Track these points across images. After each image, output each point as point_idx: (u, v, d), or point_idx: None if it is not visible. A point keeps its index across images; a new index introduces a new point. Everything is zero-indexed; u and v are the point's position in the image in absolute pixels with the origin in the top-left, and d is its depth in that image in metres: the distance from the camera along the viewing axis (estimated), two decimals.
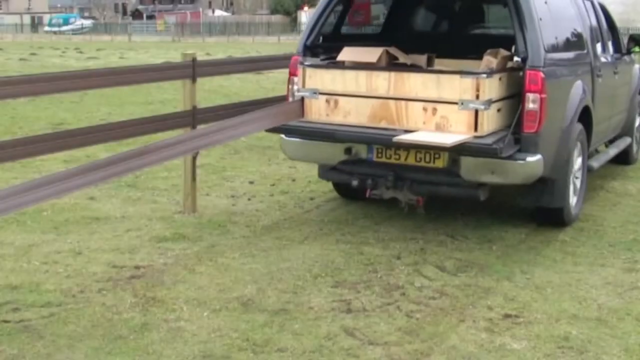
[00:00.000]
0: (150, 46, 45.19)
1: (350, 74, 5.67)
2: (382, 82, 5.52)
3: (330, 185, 7.47)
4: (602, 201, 7.07)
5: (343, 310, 4.38)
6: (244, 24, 78.63)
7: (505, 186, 5.75)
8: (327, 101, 5.73)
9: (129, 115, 10.82)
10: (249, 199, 6.92)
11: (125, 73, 5.97)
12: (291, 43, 55.85)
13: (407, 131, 5.37)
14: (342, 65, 5.88)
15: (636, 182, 7.89)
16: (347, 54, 5.96)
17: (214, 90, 15.69)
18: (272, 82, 18.44)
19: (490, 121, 5.28)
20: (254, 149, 9.15)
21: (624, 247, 5.70)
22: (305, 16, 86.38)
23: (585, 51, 6.55)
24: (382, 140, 5.51)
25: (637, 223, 6.34)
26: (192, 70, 6.13)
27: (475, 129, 5.21)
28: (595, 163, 6.85)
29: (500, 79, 5.38)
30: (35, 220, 6.00)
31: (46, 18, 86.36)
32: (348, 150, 5.76)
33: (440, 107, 5.32)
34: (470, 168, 5.41)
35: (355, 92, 5.63)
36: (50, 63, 26.35)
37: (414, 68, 5.94)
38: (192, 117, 6.22)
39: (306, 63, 5.89)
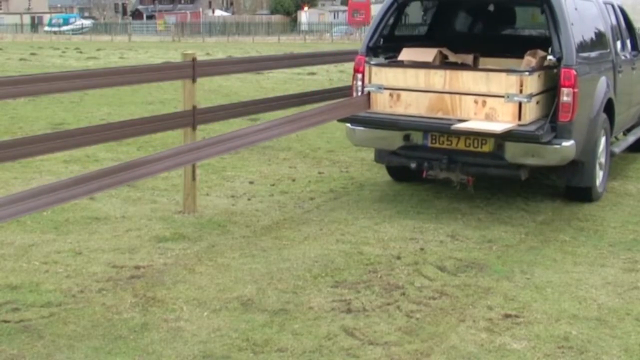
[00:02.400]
0: (150, 46, 45.19)
1: (410, 71, 6.54)
2: (439, 78, 6.39)
3: (330, 185, 7.48)
4: (602, 201, 7.06)
5: (343, 310, 4.38)
6: (244, 24, 78.66)
7: (541, 167, 6.58)
8: (391, 95, 6.59)
9: (129, 115, 10.84)
10: (248, 199, 6.92)
11: (125, 73, 5.96)
12: (291, 43, 55.91)
13: (460, 120, 6.22)
14: (404, 64, 6.76)
15: (636, 182, 7.89)
16: (407, 54, 6.87)
17: (214, 90, 15.70)
18: (272, 82, 18.46)
19: (531, 112, 6.17)
20: (253, 149, 9.15)
21: (624, 247, 5.70)
22: (305, 16, 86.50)
23: (608, 50, 7.38)
24: (440, 128, 6.33)
25: (637, 223, 6.34)
26: (192, 70, 6.13)
27: (519, 118, 6.10)
28: (616, 149, 7.65)
29: (539, 75, 6.25)
30: (35, 220, 6.00)
31: (46, 18, 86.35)
32: (406, 137, 6.59)
33: (489, 100, 6.19)
34: (513, 152, 6.24)
35: (415, 87, 6.49)
36: (50, 63, 26.36)
37: (466, 66, 6.87)
38: (192, 117, 6.21)
39: (372, 62, 6.75)
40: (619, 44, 7.86)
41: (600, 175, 7.00)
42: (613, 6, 8.16)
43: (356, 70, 6.84)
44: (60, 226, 5.91)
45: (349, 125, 6.85)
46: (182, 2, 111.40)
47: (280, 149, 9.29)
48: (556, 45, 6.32)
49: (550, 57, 6.43)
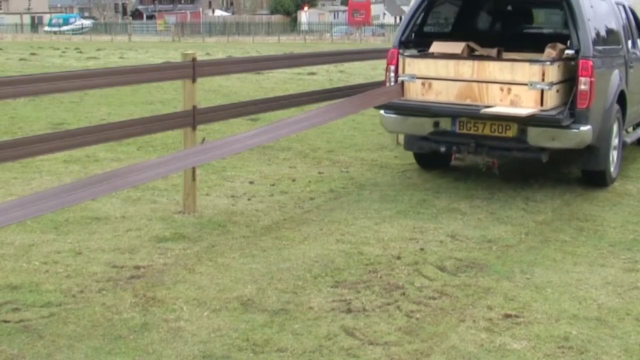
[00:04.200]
0: (150, 46, 45.19)
1: (441, 62, 7.14)
2: (467, 68, 6.99)
3: (330, 185, 7.48)
4: (602, 201, 7.07)
5: (343, 310, 4.38)
6: (244, 24, 78.68)
7: (560, 151, 7.07)
8: (423, 84, 7.19)
9: (129, 115, 10.83)
10: (248, 199, 6.92)
11: (125, 73, 5.96)
12: (291, 43, 55.92)
13: (487, 107, 6.78)
14: (434, 56, 7.37)
15: (636, 182, 7.89)
16: (437, 47, 7.51)
17: (214, 90, 15.70)
18: (272, 82, 18.45)
19: (552, 99, 6.74)
20: (253, 149, 9.14)
21: (624, 247, 5.70)
22: (305, 16, 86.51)
23: (620, 46, 7.97)
24: (469, 113, 6.91)
25: (637, 223, 6.34)
26: (192, 70, 6.13)
27: (541, 104, 6.67)
28: (628, 139, 8.25)
29: (559, 66, 6.82)
30: (35, 220, 5.99)
31: (46, 18, 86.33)
32: (436, 124, 7.16)
33: (513, 88, 6.77)
34: (535, 136, 6.80)
35: (445, 77, 7.08)
36: (50, 63, 26.36)
37: (490, 57, 7.37)
38: (192, 117, 6.22)
39: (406, 54, 7.41)
40: (630, 42, 8.42)
41: (613, 161, 7.56)
42: (624, 6, 8.69)
43: (389, 63, 7.47)
44: (60, 226, 5.91)
45: (382, 112, 7.47)
46: (182, 2, 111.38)
47: (280, 149, 9.28)
48: (574, 39, 6.90)
49: (568, 51, 7.00)
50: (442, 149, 7.23)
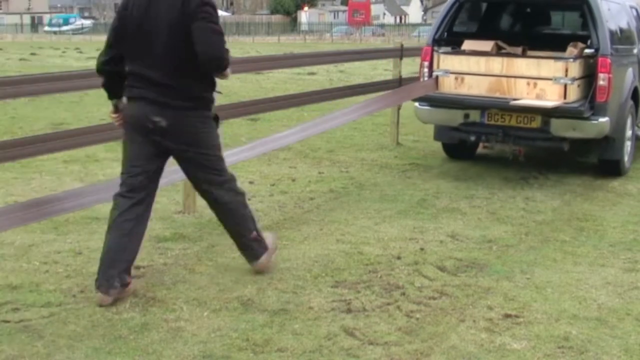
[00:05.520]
0: None
1: (473, 58, 7.84)
2: (497, 64, 7.67)
3: (330, 185, 7.48)
4: (602, 201, 7.07)
5: (343, 310, 4.38)
6: (244, 24, 78.70)
7: (580, 140, 7.71)
8: (456, 78, 7.87)
9: None
10: (248, 199, 6.89)
11: None
12: (291, 43, 55.89)
13: (515, 99, 7.44)
14: (467, 53, 8.07)
15: (636, 182, 7.90)
16: (468, 44, 8.23)
17: None
18: (272, 82, 18.46)
19: (574, 92, 7.38)
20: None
21: (624, 247, 5.70)
22: (305, 16, 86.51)
23: (634, 46, 8.59)
24: (500, 105, 7.56)
25: (637, 223, 6.34)
26: None
27: (565, 97, 7.33)
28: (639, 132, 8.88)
29: (580, 63, 7.44)
30: None
31: (46, 18, 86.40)
32: (466, 115, 7.78)
33: (539, 82, 7.44)
34: (558, 126, 7.44)
35: (476, 72, 7.77)
36: (50, 63, 26.37)
37: (518, 54, 8.02)
38: None
39: (440, 51, 8.05)
40: None
41: (627, 151, 8.17)
42: (637, 10, 9.36)
43: (423, 59, 8.15)
44: (60, 226, 5.91)
45: (417, 104, 8.12)
46: None
47: (280, 149, 9.28)
48: (594, 39, 7.50)
49: (587, 50, 7.57)
50: (472, 139, 7.89)
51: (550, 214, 6.60)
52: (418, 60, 8.50)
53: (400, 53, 9.77)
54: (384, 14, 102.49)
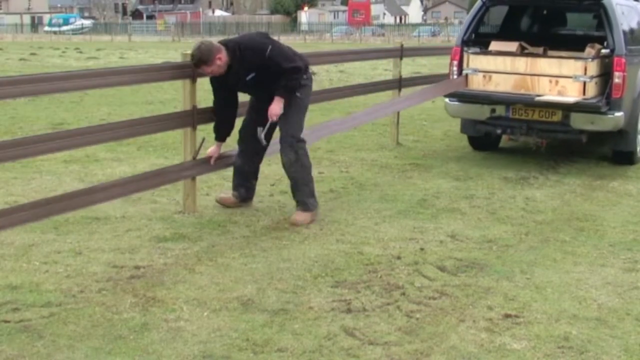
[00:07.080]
0: (150, 46, 45.19)
1: (499, 58, 8.52)
2: (522, 64, 8.34)
3: (329, 185, 7.48)
4: (602, 201, 7.07)
5: (343, 310, 4.38)
6: (244, 24, 78.61)
7: (597, 133, 8.26)
8: (484, 76, 8.54)
9: (129, 115, 10.83)
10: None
11: (125, 73, 5.96)
12: (291, 43, 55.66)
13: (538, 96, 8.12)
14: (494, 53, 8.69)
15: (636, 182, 7.90)
16: (495, 45, 8.84)
17: None
18: None
19: (592, 89, 8.05)
20: None
21: (624, 247, 5.70)
22: (305, 16, 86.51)
23: None
24: (525, 101, 8.25)
25: (637, 223, 6.34)
26: (192, 70, 6.13)
27: (584, 94, 7.98)
28: None
29: (597, 62, 8.08)
30: None
31: (46, 18, 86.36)
32: (493, 110, 8.47)
33: (560, 80, 8.10)
34: (577, 120, 8.11)
35: (503, 70, 8.43)
36: (50, 63, 26.36)
37: (540, 54, 8.58)
38: (192, 117, 6.22)
39: (470, 51, 8.71)
40: None
41: (639, 143, 8.72)
42: None
43: (453, 59, 8.81)
44: (60, 226, 5.91)
45: (447, 100, 8.80)
46: (182, 2, 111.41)
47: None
48: (610, 40, 8.12)
49: (603, 50, 8.17)
50: (498, 131, 8.59)
51: (550, 214, 6.60)
52: (418, 60, 8.57)
53: (400, 53, 9.78)
54: (384, 14, 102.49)
